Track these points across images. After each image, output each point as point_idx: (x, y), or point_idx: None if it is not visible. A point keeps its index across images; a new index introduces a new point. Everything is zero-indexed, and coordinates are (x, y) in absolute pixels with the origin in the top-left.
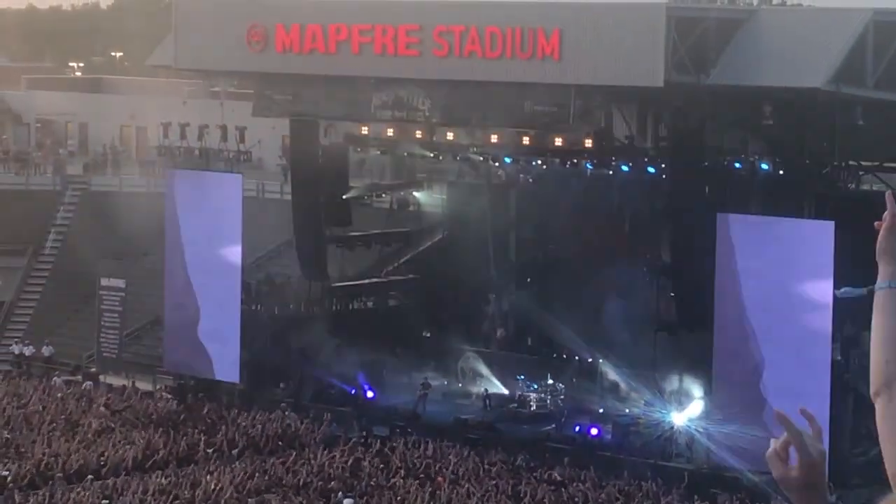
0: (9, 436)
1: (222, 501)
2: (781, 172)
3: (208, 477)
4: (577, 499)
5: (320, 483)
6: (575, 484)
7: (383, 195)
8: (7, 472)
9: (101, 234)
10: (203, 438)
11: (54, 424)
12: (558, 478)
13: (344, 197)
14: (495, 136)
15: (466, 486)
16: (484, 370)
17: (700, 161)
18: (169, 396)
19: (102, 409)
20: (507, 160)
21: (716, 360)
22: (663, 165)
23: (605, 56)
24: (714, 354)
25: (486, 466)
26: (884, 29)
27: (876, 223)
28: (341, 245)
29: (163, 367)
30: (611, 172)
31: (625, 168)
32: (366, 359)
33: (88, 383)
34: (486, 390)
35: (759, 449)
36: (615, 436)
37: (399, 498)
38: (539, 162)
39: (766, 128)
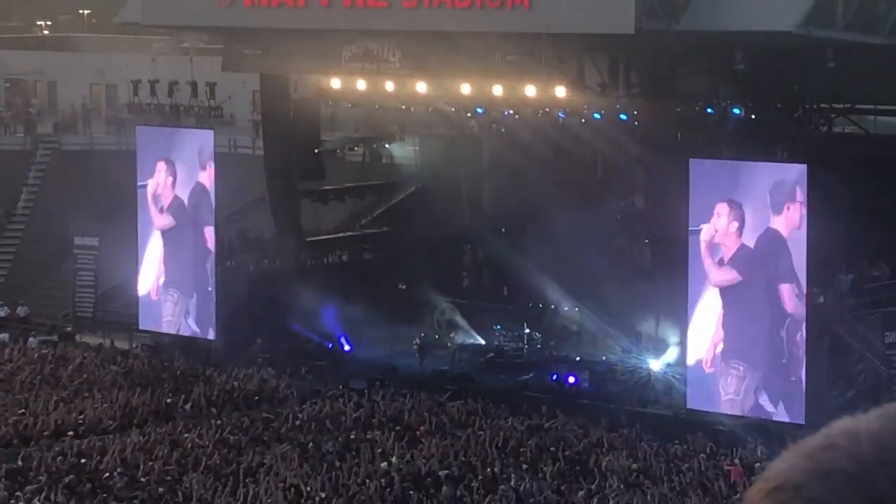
0: None
1: (203, 458)
2: (753, 117)
3: (187, 434)
4: (553, 447)
5: (299, 437)
6: (556, 428)
7: (356, 148)
8: None
9: (74, 193)
10: (181, 396)
11: (32, 384)
12: (538, 422)
13: (316, 151)
14: (467, 87)
15: (447, 437)
16: (460, 321)
17: (672, 107)
18: (145, 354)
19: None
20: (480, 110)
21: (690, 306)
22: (636, 112)
23: (575, 4)
24: (689, 300)
25: (465, 416)
26: None
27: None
28: (315, 199)
29: (138, 325)
30: (583, 120)
31: (597, 116)
32: (342, 313)
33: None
34: (454, 343)
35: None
36: (592, 383)
37: (380, 450)
38: (511, 111)
39: (737, 73)
